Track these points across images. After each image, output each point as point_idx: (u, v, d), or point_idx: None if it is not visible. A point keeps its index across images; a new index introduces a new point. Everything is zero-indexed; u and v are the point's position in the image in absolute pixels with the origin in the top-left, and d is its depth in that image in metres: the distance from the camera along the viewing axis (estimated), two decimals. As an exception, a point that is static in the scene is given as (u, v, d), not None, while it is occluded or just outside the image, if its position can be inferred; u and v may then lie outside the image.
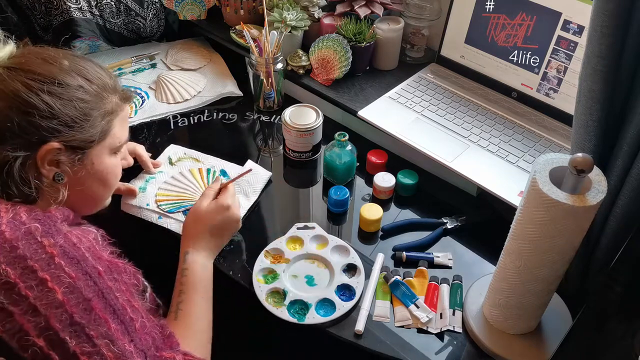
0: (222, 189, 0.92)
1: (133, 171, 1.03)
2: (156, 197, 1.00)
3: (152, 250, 0.98)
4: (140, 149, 1.03)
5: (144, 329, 0.64)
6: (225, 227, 0.89)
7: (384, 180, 1.00)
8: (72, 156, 0.70)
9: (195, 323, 0.77)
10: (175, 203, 0.99)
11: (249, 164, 1.06)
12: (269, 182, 1.06)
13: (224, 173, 1.06)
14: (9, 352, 0.57)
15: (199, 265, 0.83)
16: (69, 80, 0.69)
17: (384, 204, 1.01)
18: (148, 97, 1.25)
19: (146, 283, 0.76)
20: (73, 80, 0.70)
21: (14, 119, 0.64)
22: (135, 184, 1.02)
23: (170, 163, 1.08)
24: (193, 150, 1.10)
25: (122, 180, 0.98)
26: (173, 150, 1.10)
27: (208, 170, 1.06)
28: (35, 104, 0.65)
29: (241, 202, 1.00)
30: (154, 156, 1.08)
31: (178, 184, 1.03)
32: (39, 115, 0.65)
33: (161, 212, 0.97)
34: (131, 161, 0.93)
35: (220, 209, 0.88)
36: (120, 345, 0.60)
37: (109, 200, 0.84)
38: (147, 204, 0.99)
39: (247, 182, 1.03)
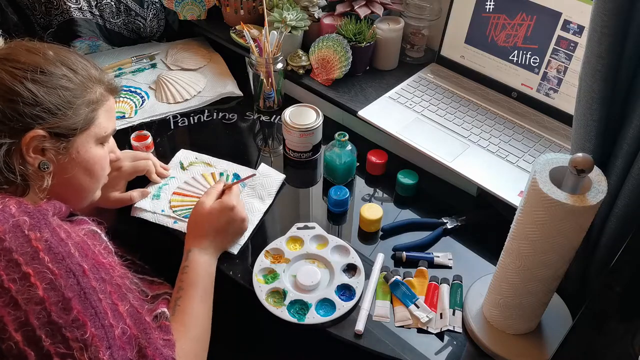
0: (227, 189, 0.93)
1: (145, 178, 1.02)
2: (170, 203, 1.00)
3: (164, 253, 0.97)
4: (150, 165, 1.01)
5: (124, 336, 0.62)
6: (230, 228, 0.90)
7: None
8: (57, 144, 0.70)
9: (191, 320, 0.76)
10: (190, 208, 0.98)
11: (263, 167, 1.06)
12: (283, 184, 1.06)
13: (237, 177, 1.06)
14: None
15: (201, 263, 0.83)
16: (53, 69, 0.71)
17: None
18: (148, 97, 1.25)
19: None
20: (57, 69, 0.71)
21: None
22: (148, 191, 1.02)
23: (182, 168, 1.07)
24: (204, 155, 1.10)
25: (132, 187, 0.99)
26: (184, 155, 1.10)
27: (221, 174, 1.06)
28: (19, 91, 0.67)
29: (256, 206, 1.00)
30: (156, 155, 1.08)
31: (192, 189, 1.03)
32: (22, 102, 0.67)
33: (177, 217, 0.97)
34: (120, 155, 0.92)
35: (225, 210, 0.88)
36: (95, 351, 0.58)
37: (98, 194, 0.84)
38: (162, 210, 0.98)
39: (262, 186, 1.03)
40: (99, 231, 0.72)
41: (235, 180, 0.98)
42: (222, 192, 0.93)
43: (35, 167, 0.69)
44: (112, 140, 0.84)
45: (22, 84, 0.67)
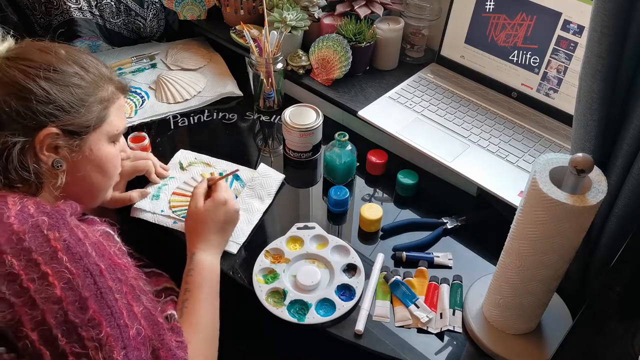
0: (213, 186, 0.93)
1: (144, 178, 1.02)
2: (170, 204, 0.99)
3: (166, 254, 0.97)
4: (150, 165, 1.01)
5: (139, 337, 0.62)
6: (227, 221, 0.90)
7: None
8: (70, 142, 0.71)
9: (200, 321, 0.76)
10: None
11: (263, 167, 1.06)
12: (283, 184, 1.06)
13: (236, 177, 1.06)
14: (6, 342, 0.57)
15: (206, 265, 0.84)
16: (65, 68, 0.71)
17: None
18: (148, 97, 1.25)
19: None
20: (69, 67, 0.72)
21: (12, 104, 0.66)
22: (148, 191, 1.01)
23: (182, 168, 1.07)
24: (204, 155, 1.10)
25: (131, 187, 0.99)
26: (183, 155, 1.10)
27: (220, 174, 1.06)
28: (32, 89, 0.67)
29: (256, 206, 1.00)
30: (156, 155, 1.08)
31: (191, 190, 1.02)
32: (35, 100, 0.67)
33: (176, 217, 0.97)
34: (130, 153, 0.93)
35: (219, 205, 0.89)
36: (109, 351, 0.59)
37: (110, 193, 0.85)
38: (162, 210, 0.98)
39: (261, 186, 1.03)
40: (112, 232, 0.72)
41: (219, 176, 0.97)
42: (208, 190, 0.93)
43: (49, 165, 0.70)
44: (122, 139, 0.85)
45: (35, 82, 0.68)
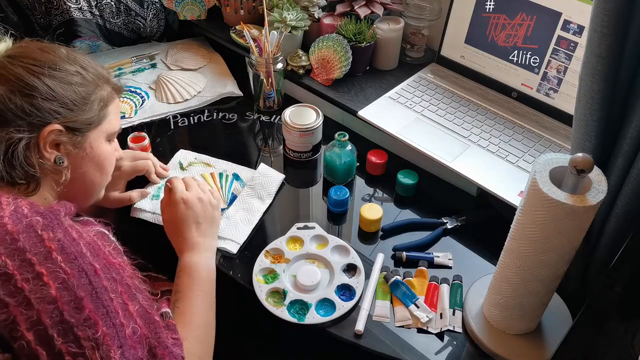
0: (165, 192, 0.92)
1: (144, 178, 1.02)
2: None
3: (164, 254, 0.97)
4: (150, 165, 1.01)
5: (135, 336, 0.62)
6: (196, 214, 0.88)
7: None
8: (72, 139, 0.73)
9: (193, 320, 0.76)
10: None
11: (263, 167, 1.06)
12: (283, 184, 1.06)
13: (236, 177, 1.06)
14: (1, 342, 0.57)
15: (192, 265, 0.83)
16: (68, 67, 0.74)
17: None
18: (148, 97, 1.25)
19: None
20: (70, 66, 0.74)
21: (17, 101, 0.68)
22: (148, 191, 1.01)
23: (182, 168, 1.07)
24: (204, 155, 1.10)
25: (131, 187, 0.99)
26: (183, 155, 1.10)
27: (220, 175, 1.06)
28: (37, 86, 0.69)
29: (256, 206, 1.00)
30: (156, 155, 1.08)
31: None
32: (40, 97, 0.69)
33: None
34: (122, 153, 0.94)
35: (177, 206, 0.87)
36: (106, 350, 0.58)
37: (102, 193, 0.86)
38: None
39: (261, 186, 1.03)
40: (107, 232, 0.72)
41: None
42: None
43: (52, 161, 0.71)
44: (116, 141, 0.86)
45: (40, 79, 0.69)
